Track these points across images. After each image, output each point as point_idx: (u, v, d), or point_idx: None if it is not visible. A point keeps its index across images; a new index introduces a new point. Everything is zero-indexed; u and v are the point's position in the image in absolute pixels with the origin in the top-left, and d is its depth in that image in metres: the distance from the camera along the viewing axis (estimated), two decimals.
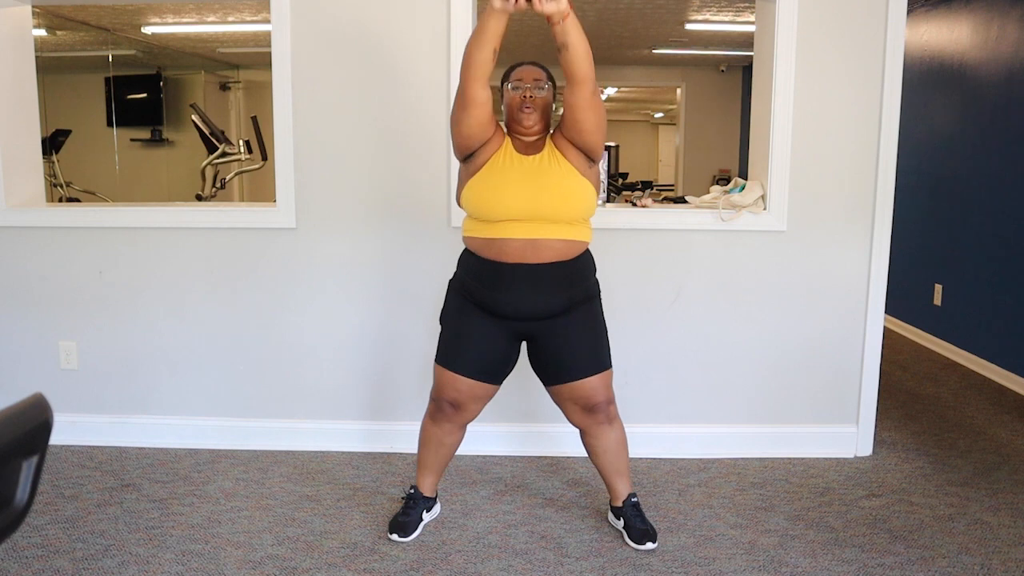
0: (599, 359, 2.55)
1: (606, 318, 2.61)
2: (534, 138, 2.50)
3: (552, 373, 2.55)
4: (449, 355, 2.56)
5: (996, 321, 4.62)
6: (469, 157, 2.47)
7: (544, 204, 2.41)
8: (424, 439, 2.68)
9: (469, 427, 2.69)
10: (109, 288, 3.38)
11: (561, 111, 2.47)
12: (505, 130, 2.54)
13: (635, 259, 3.28)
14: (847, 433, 3.38)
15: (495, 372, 2.56)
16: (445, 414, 2.59)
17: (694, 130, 9.65)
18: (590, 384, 2.52)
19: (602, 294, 2.61)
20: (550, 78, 2.52)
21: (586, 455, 2.72)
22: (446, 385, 2.56)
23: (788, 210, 3.25)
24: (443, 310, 2.65)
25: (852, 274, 3.29)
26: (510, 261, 2.43)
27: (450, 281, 2.63)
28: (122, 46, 7.41)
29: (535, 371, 2.61)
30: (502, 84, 2.53)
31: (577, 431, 2.65)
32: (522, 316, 2.47)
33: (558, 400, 2.60)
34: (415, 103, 3.22)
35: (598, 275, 2.60)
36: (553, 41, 2.27)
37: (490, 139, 2.46)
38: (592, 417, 2.56)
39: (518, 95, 2.47)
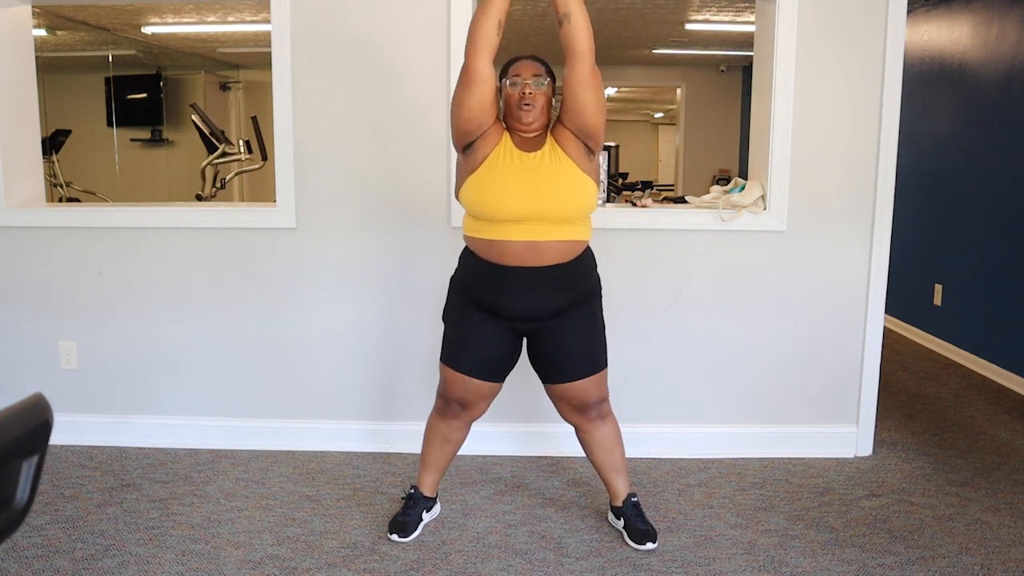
0: (594, 361, 2.55)
1: (606, 318, 2.61)
2: (534, 134, 2.47)
3: (547, 372, 2.57)
4: (455, 356, 2.56)
5: (996, 321, 4.62)
6: (468, 148, 2.43)
7: (545, 205, 2.40)
8: (430, 435, 2.69)
9: (472, 428, 2.70)
10: (109, 288, 3.38)
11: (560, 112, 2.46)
12: (504, 125, 2.51)
13: (635, 259, 3.28)
14: (847, 433, 3.38)
15: (499, 371, 2.58)
16: (454, 411, 2.61)
17: (694, 130, 9.65)
18: (581, 386, 2.54)
19: (603, 292, 2.61)
20: (549, 72, 2.48)
21: (585, 455, 2.72)
22: (454, 385, 2.57)
23: (788, 210, 3.25)
24: (445, 308, 2.65)
25: (852, 274, 3.29)
26: (511, 264, 2.43)
27: (451, 278, 2.63)
28: (122, 46, 7.41)
29: (532, 366, 2.62)
30: (500, 80, 2.48)
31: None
32: (523, 318, 2.47)
33: (552, 397, 2.63)
34: (415, 103, 3.22)
35: (599, 271, 2.60)
36: (554, 13, 2.28)
37: (489, 130, 2.42)
38: (584, 415, 2.59)
39: (516, 91, 2.43)
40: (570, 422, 2.64)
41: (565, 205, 2.41)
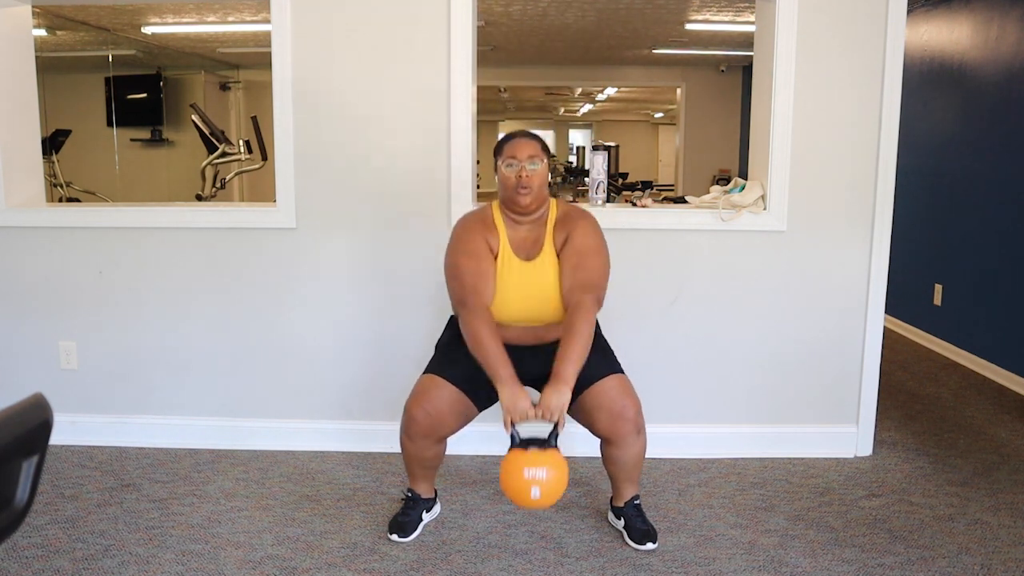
0: (610, 364, 2.54)
1: (607, 318, 2.62)
2: (531, 216, 2.48)
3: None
4: (437, 366, 2.56)
5: (996, 321, 4.62)
6: None
7: (546, 310, 2.46)
8: (405, 455, 2.62)
9: (470, 427, 2.67)
10: (109, 288, 3.38)
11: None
12: (496, 212, 2.51)
13: (635, 259, 3.28)
14: (847, 433, 3.38)
15: (479, 394, 2.48)
16: (420, 426, 2.49)
17: (694, 130, 9.65)
18: (608, 385, 2.47)
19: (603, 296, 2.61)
20: (545, 149, 2.49)
21: (587, 455, 2.71)
22: (428, 392, 2.49)
23: (788, 210, 3.25)
24: (440, 338, 2.67)
25: (852, 274, 3.29)
26: (510, 343, 2.44)
27: (451, 318, 2.65)
28: (122, 46, 7.41)
29: None
30: (495, 156, 2.50)
31: (581, 432, 2.61)
32: (524, 380, 2.40)
33: (583, 414, 2.50)
34: (415, 103, 3.22)
35: None
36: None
37: (487, 248, 2.45)
38: (621, 424, 2.45)
39: (513, 173, 2.43)
40: (606, 435, 2.49)
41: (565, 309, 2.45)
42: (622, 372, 2.56)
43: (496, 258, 2.49)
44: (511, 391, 2.31)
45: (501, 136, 2.59)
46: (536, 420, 2.29)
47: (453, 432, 2.57)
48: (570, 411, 2.48)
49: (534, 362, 2.45)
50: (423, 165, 3.25)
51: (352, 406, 3.40)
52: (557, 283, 2.46)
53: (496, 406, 2.59)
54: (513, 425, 2.30)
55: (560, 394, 2.28)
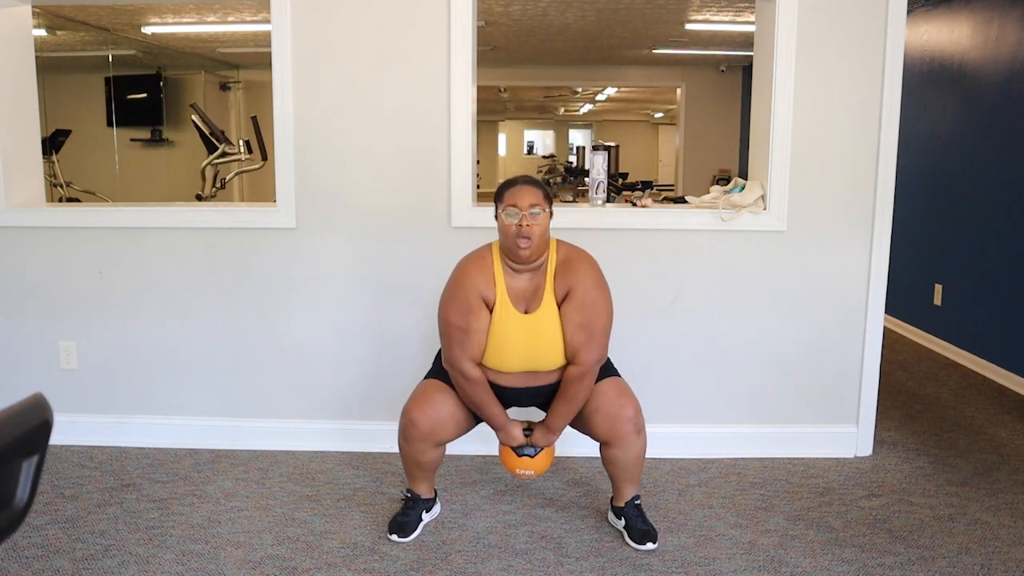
0: (605, 368, 2.55)
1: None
2: (531, 265, 2.45)
3: None
4: (440, 373, 2.59)
5: (996, 321, 4.61)
6: None
7: (545, 360, 2.46)
8: (403, 457, 2.63)
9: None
10: (109, 288, 3.38)
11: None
12: (496, 259, 2.48)
13: (635, 259, 3.28)
14: (847, 433, 3.38)
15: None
16: (418, 431, 2.50)
17: (694, 130, 9.65)
18: (607, 387, 2.50)
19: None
20: (546, 196, 2.43)
21: (587, 455, 2.72)
22: (429, 397, 2.52)
23: (788, 210, 3.25)
24: (438, 353, 2.66)
25: (852, 274, 3.29)
26: (509, 386, 2.50)
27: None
28: (122, 46, 7.41)
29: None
30: (496, 202, 2.46)
31: (578, 432, 2.64)
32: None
33: (582, 421, 2.54)
34: (415, 103, 3.22)
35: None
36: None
37: (481, 303, 2.43)
38: (620, 425, 2.47)
39: (513, 223, 2.38)
40: (606, 438, 2.51)
41: (564, 359, 2.48)
42: (618, 375, 2.57)
43: (493, 310, 2.44)
44: (506, 434, 2.55)
45: (502, 182, 2.52)
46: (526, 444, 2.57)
47: (451, 439, 2.59)
48: (576, 427, 2.62)
49: (529, 401, 2.58)
50: (423, 165, 3.25)
51: (352, 406, 3.40)
52: (558, 334, 2.43)
53: None
54: None
55: (548, 439, 2.55)
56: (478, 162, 3.45)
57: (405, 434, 2.54)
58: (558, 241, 2.53)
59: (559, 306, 2.44)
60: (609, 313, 2.47)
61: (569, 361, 2.45)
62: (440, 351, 2.66)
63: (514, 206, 2.38)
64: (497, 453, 2.62)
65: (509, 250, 2.42)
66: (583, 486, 3.06)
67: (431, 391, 2.53)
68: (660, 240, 3.29)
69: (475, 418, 2.59)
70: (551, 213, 2.45)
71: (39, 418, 1.10)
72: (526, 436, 2.56)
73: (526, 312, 2.44)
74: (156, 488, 3.02)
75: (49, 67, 6.99)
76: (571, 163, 18.49)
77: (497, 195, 2.46)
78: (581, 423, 2.55)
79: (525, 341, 2.43)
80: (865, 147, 3.22)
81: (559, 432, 2.53)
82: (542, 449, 2.56)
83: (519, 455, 2.56)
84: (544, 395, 2.54)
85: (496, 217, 2.44)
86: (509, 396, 2.53)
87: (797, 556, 2.55)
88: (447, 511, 2.84)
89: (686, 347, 3.34)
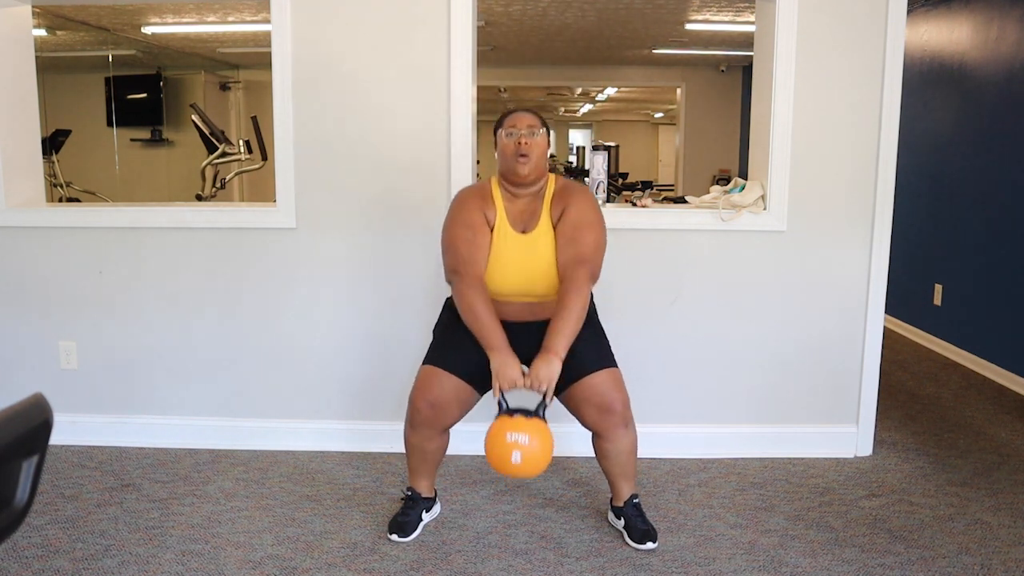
0: (603, 357, 2.54)
1: (607, 317, 2.62)
2: (530, 188, 2.50)
3: (560, 378, 2.50)
4: (438, 356, 2.57)
5: (996, 321, 4.62)
6: None
7: (540, 284, 2.46)
8: (407, 448, 2.65)
9: (470, 427, 2.69)
10: (109, 288, 3.38)
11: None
12: (495, 186, 2.54)
13: (635, 259, 3.28)
14: (847, 433, 3.38)
15: (481, 380, 2.47)
16: (423, 416, 2.53)
17: (694, 130, 9.65)
18: (598, 380, 2.49)
19: (603, 295, 2.62)
20: (544, 124, 2.53)
21: (587, 455, 2.71)
22: (430, 382, 2.52)
23: (788, 210, 3.25)
24: (437, 323, 2.67)
25: (852, 274, 3.29)
26: (507, 320, 2.46)
27: (447, 299, 2.64)
28: (122, 46, 7.41)
29: None
30: (496, 131, 2.54)
31: (580, 432, 2.62)
32: (521, 358, 2.43)
33: (572, 405, 2.53)
34: (415, 102, 3.22)
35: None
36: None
37: (484, 220, 2.47)
38: (609, 417, 2.49)
39: (512, 141, 2.47)
40: (595, 429, 2.54)
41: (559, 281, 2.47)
42: (614, 365, 2.56)
43: (493, 230, 2.51)
44: (502, 358, 2.33)
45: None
46: (525, 389, 2.32)
47: (456, 420, 2.59)
48: (560, 399, 2.52)
49: (529, 339, 2.45)
50: (423, 165, 3.25)
51: (352, 406, 3.40)
52: (553, 256, 2.48)
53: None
54: (502, 393, 2.33)
55: (550, 365, 2.30)
56: (478, 162, 3.45)
57: (412, 421, 2.57)
58: (557, 175, 2.63)
59: (555, 227, 2.50)
60: (601, 233, 2.51)
61: (561, 279, 2.46)
62: (436, 327, 2.65)
63: (513, 127, 2.50)
64: None
65: (508, 170, 2.49)
66: (583, 486, 3.06)
67: (431, 377, 2.54)
68: (660, 240, 3.29)
69: (477, 391, 2.54)
70: (549, 142, 2.56)
71: (39, 418, 1.10)
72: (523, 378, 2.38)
73: (523, 232, 2.50)
74: (156, 488, 3.02)
75: (49, 67, 6.99)
76: (571, 163, 18.47)
77: (497, 124, 2.55)
78: (572, 407, 2.55)
79: (522, 261, 2.47)
80: (865, 147, 3.22)
81: (560, 355, 2.31)
82: (539, 416, 2.31)
83: (511, 415, 2.29)
84: (541, 334, 2.43)
85: (495, 146, 2.53)
86: (510, 337, 2.44)
87: (797, 556, 2.55)
88: (447, 511, 2.84)
89: (686, 347, 3.34)
